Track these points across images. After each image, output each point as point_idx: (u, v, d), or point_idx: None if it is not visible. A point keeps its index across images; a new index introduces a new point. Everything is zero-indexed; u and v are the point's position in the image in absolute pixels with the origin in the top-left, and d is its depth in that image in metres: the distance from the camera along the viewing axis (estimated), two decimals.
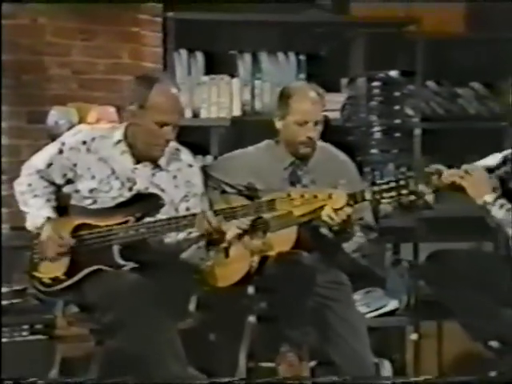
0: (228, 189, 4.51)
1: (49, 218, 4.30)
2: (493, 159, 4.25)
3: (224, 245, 4.46)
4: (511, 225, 4.10)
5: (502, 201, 4.16)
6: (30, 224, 4.33)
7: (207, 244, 4.31)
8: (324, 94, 4.73)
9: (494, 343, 4.21)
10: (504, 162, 4.26)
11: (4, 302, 4.29)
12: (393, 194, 4.20)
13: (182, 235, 4.24)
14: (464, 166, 4.21)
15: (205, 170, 4.67)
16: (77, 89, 5.28)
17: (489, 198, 4.16)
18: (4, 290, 4.37)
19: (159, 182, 4.34)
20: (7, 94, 5.26)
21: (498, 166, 4.26)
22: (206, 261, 4.43)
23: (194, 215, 4.17)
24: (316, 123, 4.57)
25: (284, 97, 4.64)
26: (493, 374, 4.28)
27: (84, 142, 4.34)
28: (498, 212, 4.13)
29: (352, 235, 4.52)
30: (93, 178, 4.32)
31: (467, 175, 4.19)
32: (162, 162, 4.35)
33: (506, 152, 4.24)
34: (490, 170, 4.23)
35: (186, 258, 4.31)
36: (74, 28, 5.33)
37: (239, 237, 4.49)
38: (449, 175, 4.20)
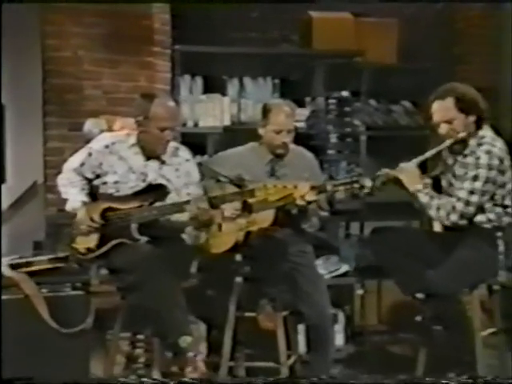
0: (222, 179, 4.40)
1: (83, 203, 4.28)
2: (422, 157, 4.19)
3: (219, 221, 4.39)
4: (432, 208, 4.06)
5: (427, 190, 4.11)
6: (69, 207, 4.31)
7: (199, 227, 4.29)
8: (295, 108, 4.71)
9: (419, 295, 4.13)
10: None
11: (51, 266, 4.19)
12: (347, 186, 4.20)
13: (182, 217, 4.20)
14: (401, 164, 4.17)
15: (204, 164, 4.65)
16: (106, 105, 5.22)
17: (419, 186, 4.11)
18: (51, 256, 4.27)
19: (165, 174, 4.31)
20: (54, 109, 5.24)
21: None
22: (199, 239, 4.40)
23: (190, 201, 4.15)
24: (289, 131, 4.54)
25: (265, 111, 4.60)
26: (418, 318, 4.18)
27: (107, 146, 4.33)
28: (423, 198, 4.09)
29: (312, 216, 4.48)
30: (115, 173, 4.30)
31: (403, 170, 4.14)
32: (166, 158, 4.32)
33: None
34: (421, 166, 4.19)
35: (185, 236, 4.31)
36: (104, 59, 5.27)
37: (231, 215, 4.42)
38: (391, 172, 4.16)
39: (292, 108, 4.64)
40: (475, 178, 4.01)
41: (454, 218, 4.01)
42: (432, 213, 4.08)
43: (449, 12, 6.11)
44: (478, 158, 4.02)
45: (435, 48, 6.03)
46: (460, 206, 4.01)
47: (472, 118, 4.10)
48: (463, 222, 4.03)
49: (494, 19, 6.04)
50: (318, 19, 5.80)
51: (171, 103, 4.37)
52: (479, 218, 4.06)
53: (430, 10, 6.03)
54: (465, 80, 4.58)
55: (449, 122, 4.09)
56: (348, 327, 5.49)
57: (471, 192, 4.00)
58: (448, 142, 4.11)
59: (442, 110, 4.11)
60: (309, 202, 4.22)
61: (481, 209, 4.05)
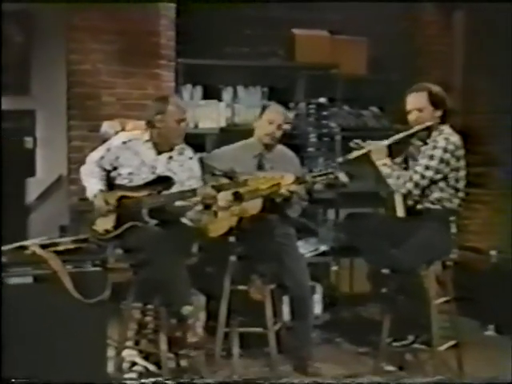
0: (217, 172, 4.40)
1: (101, 190, 4.29)
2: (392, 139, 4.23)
3: (214, 209, 4.38)
4: (393, 176, 4.11)
5: (390, 164, 4.16)
6: (89, 194, 4.32)
7: (204, 208, 4.27)
8: (286, 113, 4.74)
9: (385, 270, 4.18)
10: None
11: (74, 246, 4.19)
12: (323, 178, 4.24)
13: (184, 203, 4.20)
14: (370, 142, 4.23)
15: (202, 159, 4.64)
16: (120, 110, 5.22)
17: (384, 161, 4.16)
18: (74, 238, 4.27)
19: (172, 168, 4.32)
20: (76, 114, 5.24)
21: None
22: (200, 220, 4.37)
23: (193, 190, 4.14)
24: (278, 126, 4.58)
25: (263, 107, 4.68)
26: (384, 290, 4.24)
27: (124, 143, 4.35)
28: (386, 169, 4.14)
29: (294, 203, 4.48)
30: (129, 166, 4.32)
31: (374, 146, 4.20)
32: (174, 155, 4.32)
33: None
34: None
35: (188, 217, 4.26)
36: (118, 71, 5.27)
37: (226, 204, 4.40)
38: (365, 146, 4.21)
39: (284, 110, 4.70)
40: (431, 157, 4.08)
41: (409, 186, 4.07)
42: (392, 181, 4.11)
43: (410, 31, 6.18)
44: (436, 142, 4.10)
45: (399, 62, 6.07)
46: (416, 177, 4.06)
47: (439, 113, 4.17)
48: (417, 192, 4.08)
49: (447, 38, 6.15)
50: (300, 37, 5.83)
51: (181, 101, 4.46)
52: (435, 195, 4.11)
53: (395, 29, 6.05)
54: None
55: (420, 110, 4.15)
56: (325, 298, 5.49)
57: (426, 167, 4.07)
58: (416, 128, 4.17)
59: (416, 99, 4.18)
60: (291, 192, 4.25)
61: (437, 188, 4.10)
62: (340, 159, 4.22)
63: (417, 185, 4.07)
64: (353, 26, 5.94)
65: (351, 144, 4.24)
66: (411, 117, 4.19)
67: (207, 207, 4.29)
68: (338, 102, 5.82)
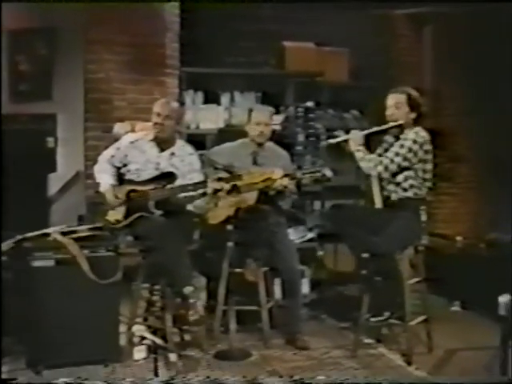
0: (218, 166, 4.39)
1: (112, 186, 4.29)
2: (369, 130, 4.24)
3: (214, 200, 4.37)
4: (364, 160, 4.11)
5: (363, 150, 4.15)
6: (102, 188, 4.31)
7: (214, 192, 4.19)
8: (271, 110, 4.72)
9: (364, 255, 4.16)
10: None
11: (90, 233, 4.17)
12: (311, 175, 4.23)
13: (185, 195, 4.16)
14: (352, 131, 4.23)
15: (205, 154, 4.64)
16: (130, 113, 5.18)
17: (359, 147, 4.16)
18: (90, 226, 4.25)
19: (174, 163, 4.30)
20: (92, 116, 5.22)
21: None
22: (206, 207, 4.34)
23: (194, 184, 4.12)
24: (266, 124, 4.54)
25: (249, 111, 4.62)
26: (364, 272, 4.21)
27: (131, 142, 4.35)
28: (359, 154, 4.14)
29: (286, 197, 4.45)
30: (136, 162, 4.31)
31: (352, 134, 4.21)
32: (175, 151, 4.31)
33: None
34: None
35: (196, 204, 4.22)
36: (129, 78, 5.25)
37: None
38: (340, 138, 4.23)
39: (267, 109, 4.66)
40: (402, 146, 4.09)
41: (379, 169, 4.07)
42: (363, 164, 4.12)
43: (386, 44, 6.19)
44: (406, 135, 4.12)
45: (376, 70, 6.03)
46: (386, 161, 4.07)
47: (413, 115, 4.17)
48: (386, 175, 4.08)
49: (417, 50, 6.18)
50: (289, 48, 5.80)
51: (166, 100, 4.37)
52: (409, 182, 4.10)
53: (373, 42, 6.04)
54: None
55: (397, 107, 4.15)
56: (312, 279, 5.47)
57: (396, 154, 4.08)
58: (391, 124, 4.18)
59: (395, 98, 4.18)
60: (284, 187, 4.24)
61: (407, 177, 4.09)
62: (324, 143, 4.19)
63: (386, 168, 4.08)
64: (336, 38, 5.90)
65: (335, 133, 4.23)
66: (388, 112, 4.19)
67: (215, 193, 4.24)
68: (323, 105, 5.80)
